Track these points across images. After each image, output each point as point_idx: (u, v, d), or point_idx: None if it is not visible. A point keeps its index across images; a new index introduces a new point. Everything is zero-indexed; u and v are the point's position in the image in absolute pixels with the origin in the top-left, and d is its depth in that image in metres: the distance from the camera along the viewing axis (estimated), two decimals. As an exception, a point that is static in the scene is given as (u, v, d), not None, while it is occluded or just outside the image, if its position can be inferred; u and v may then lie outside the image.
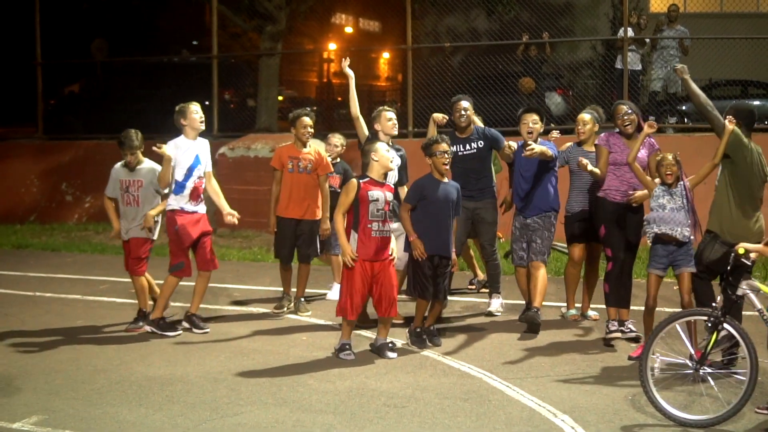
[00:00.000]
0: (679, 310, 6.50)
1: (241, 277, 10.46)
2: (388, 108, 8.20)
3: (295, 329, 7.87)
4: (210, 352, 7.07)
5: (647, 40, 13.59)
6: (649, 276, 6.73)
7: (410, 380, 6.25)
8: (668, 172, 6.61)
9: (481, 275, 9.38)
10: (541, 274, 7.77)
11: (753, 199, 6.57)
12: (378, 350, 6.92)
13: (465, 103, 8.18)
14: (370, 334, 7.36)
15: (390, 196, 6.87)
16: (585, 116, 7.99)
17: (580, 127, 7.96)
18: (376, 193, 6.74)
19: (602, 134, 7.57)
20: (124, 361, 6.81)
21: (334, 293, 8.82)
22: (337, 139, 8.86)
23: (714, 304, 5.52)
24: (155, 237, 7.91)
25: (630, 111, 7.32)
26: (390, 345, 6.96)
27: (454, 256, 7.24)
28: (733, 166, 6.53)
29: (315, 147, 8.49)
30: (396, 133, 8.17)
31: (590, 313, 8.13)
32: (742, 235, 6.27)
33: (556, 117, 14.17)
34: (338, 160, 8.83)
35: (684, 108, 13.93)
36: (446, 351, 7.04)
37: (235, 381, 6.28)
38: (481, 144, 8.17)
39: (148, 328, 7.69)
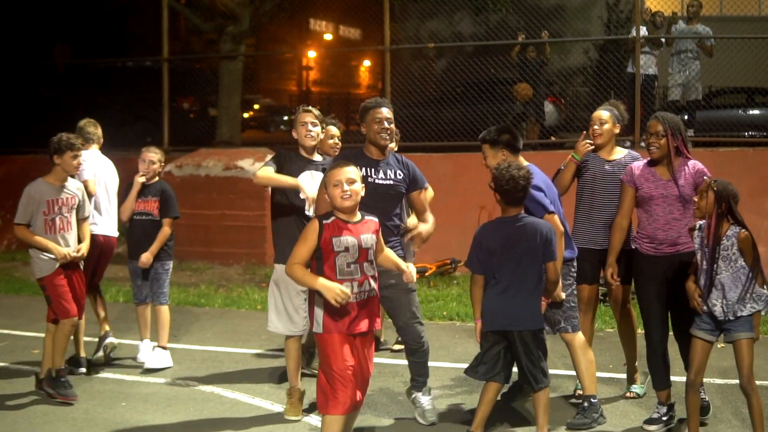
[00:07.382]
0: None
1: (175, 331, 7.87)
2: (307, 108, 5.97)
3: (227, 411, 5.95)
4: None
5: (663, 40, 11.78)
6: (693, 339, 5.02)
7: None
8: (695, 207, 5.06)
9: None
10: (578, 343, 5.57)
11: None
12: None
13: (387, 111, 5.53)
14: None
15: (370, 239, 4.60)
16: (602, 113, 6.08)
17: (596, 127, 6.07)
18: (346, 239, 4.52)
19: (628, 166, 5.78)
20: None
21: (157, 359, 7.02)
22: (153, 154, 7.17)
23: None
24: None
25: (662, 133, 5.48)
26: None
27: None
28: None
29: None
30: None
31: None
32: None
33: (547, 128, 12.96)
34: (156, 179, 7.14)
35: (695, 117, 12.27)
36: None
37: None
38: (400, 175, 5.54)
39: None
